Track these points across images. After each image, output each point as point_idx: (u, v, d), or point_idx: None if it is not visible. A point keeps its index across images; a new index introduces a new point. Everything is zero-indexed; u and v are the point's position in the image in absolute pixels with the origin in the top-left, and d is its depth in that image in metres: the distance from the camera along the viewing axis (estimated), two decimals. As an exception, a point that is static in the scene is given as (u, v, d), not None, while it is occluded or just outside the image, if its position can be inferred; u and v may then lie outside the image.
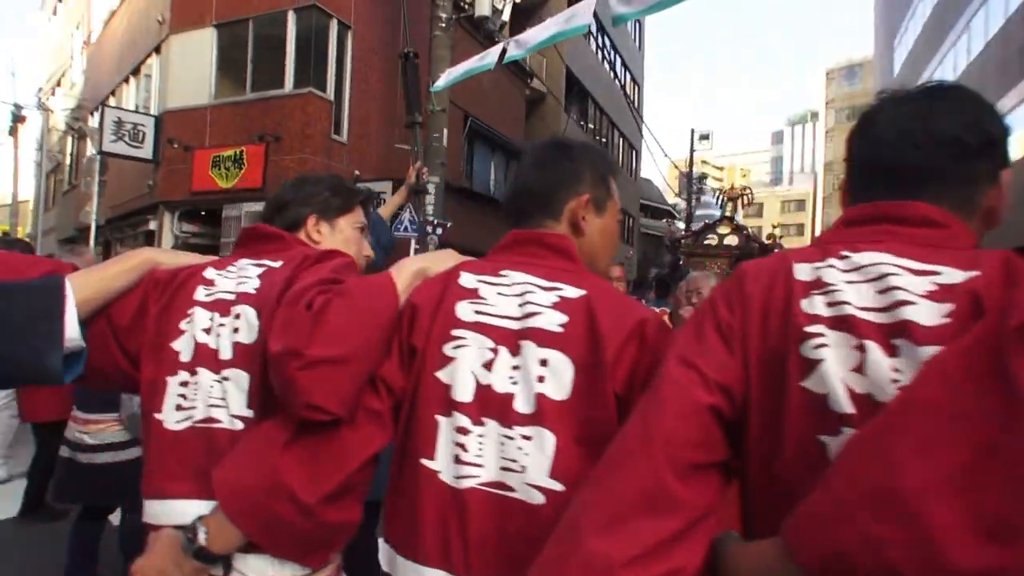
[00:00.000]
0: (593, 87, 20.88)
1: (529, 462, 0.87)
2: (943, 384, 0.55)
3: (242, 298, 1.08)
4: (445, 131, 9.20)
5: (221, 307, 1.08)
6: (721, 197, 16.76)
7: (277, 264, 1.11)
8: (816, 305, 0.71)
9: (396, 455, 0.99)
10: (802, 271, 0.76)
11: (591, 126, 21.66)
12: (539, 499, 0.86)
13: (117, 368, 1.11)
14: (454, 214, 10.03)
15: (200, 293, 1.10)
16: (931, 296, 0.66)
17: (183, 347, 1.07)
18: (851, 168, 0.86)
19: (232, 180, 9.58)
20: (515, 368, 0.92)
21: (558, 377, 0.89)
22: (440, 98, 9.02)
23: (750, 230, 13.69)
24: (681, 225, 37.16)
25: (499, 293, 0.98)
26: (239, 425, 1.02)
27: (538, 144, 1.15)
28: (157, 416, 1.06)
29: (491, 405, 0.91)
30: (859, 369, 0.67)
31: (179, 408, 1.06)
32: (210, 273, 1.13)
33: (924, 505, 0.50)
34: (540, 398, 0.88)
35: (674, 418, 0.70)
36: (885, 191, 0.78)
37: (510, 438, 0.89)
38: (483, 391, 0.92)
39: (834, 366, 0.67)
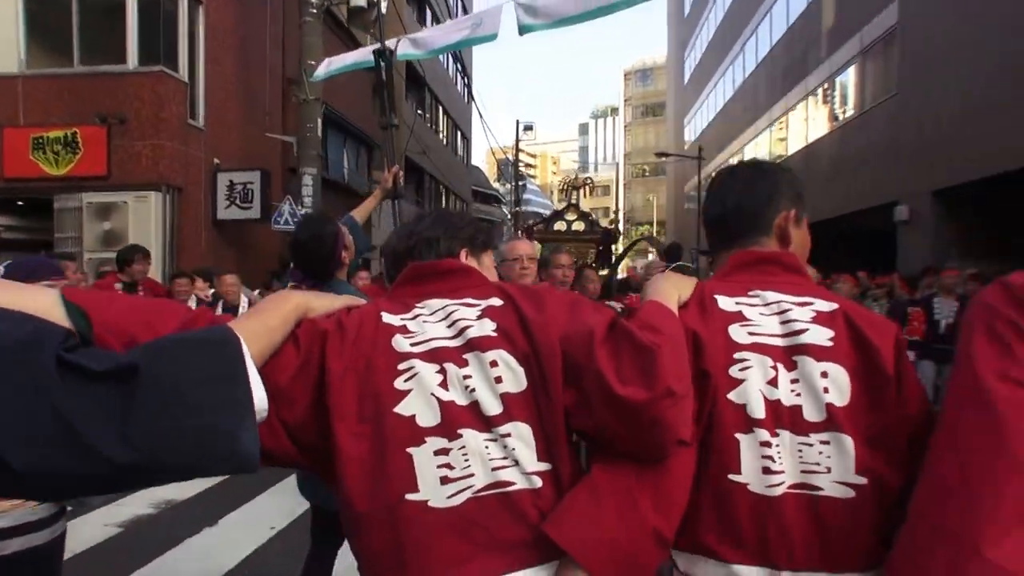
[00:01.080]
0: (430, 76, 21.13)
1: (833, 463, 0.95)
2: None
3: (485, 343, 0.95)
4: (319, 121, 9.04)
5: (449, 356, 0.95)
6: (566, 187, 18.36)
7: (495, 301, 1.02)
8: None
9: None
10: None
11: (428, 115, 21.95)
12: (850, 494, 0.95)
13: (279, 445, 0.91)
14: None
15: (402, 343, 0.96)
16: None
17: (418, 410, 0.92)
18: None
19: (65, 166, 8.35)
20: (795, 381, 0.98)
21: (839, 386, 0.96)
22: (313, 87, 8.82)
23: (593, 216, 15.06)
24: (506, 210, 38.93)
25: (761, 313, 1.03)
26: (538, 482, 0.92)
27: (737, 168, 1.24)
28: (412, 498, 0.89)
29: (783, 417, 0.97)
30: None
31: (446, 481, 0.90)
32: (393, 319, 1.00)
33: None
34: (829, 407, 0.96)
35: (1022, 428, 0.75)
36: None
37: (808, 444, 0.96)
38: (772, 406, 0.97)
39: None
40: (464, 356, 0.95)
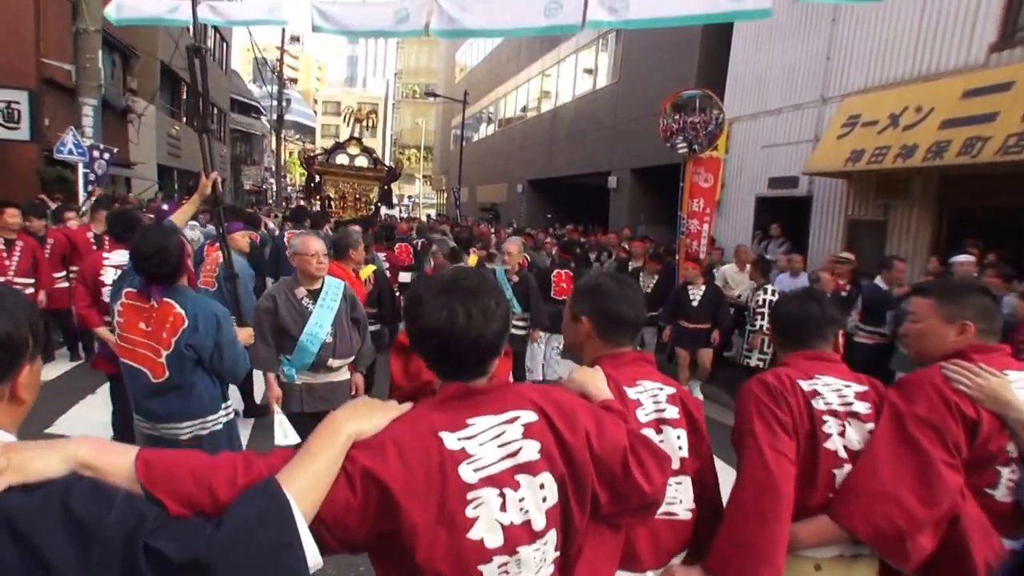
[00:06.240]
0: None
1: (683, 496, 1.55)
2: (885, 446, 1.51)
3: (535, 467, 1.14)
4: (100, 52, 8.80)
5: (504, 481, 1.11)
6: (349, 118, 18.04)
7: (531, 416, 1.17)
8: (825, 404, 1.58)
9: None
10: (806, 384, 1.61)
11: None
12: (688, 516, 1.55)
13: (331, 549, 1.03)
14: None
15: (467, 473, 1.09)
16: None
17: (485, 534, 1.09)
18: None
19: None
20: (661, 442, 1.49)
21: (684, 444, 1.56)
22: (94, 16, 8.49)
23: (376, 153, 14.47)
24: (266, 121, 35.70)
25: (648, 399, 1.57)
26: (552, 568, 1.19)
27: (634, 283, 1.68)
28: None
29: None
30: (843, 434, 1.56)
31: None
32: (454, 443, 1.09)
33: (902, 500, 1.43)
34: (681, 459, 1.53)
35: (787, 481, 1.49)
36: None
37: (678, 483, 1.55)
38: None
39: (835, 436, 1.57)
40: (516, 478, 1.12)
